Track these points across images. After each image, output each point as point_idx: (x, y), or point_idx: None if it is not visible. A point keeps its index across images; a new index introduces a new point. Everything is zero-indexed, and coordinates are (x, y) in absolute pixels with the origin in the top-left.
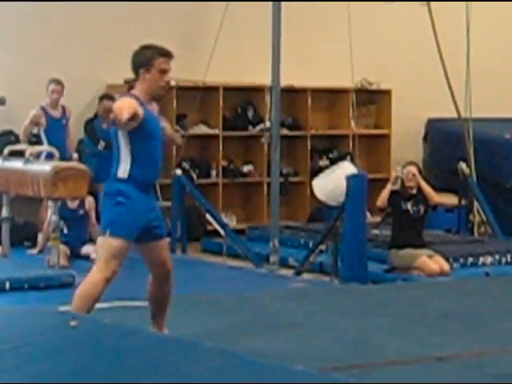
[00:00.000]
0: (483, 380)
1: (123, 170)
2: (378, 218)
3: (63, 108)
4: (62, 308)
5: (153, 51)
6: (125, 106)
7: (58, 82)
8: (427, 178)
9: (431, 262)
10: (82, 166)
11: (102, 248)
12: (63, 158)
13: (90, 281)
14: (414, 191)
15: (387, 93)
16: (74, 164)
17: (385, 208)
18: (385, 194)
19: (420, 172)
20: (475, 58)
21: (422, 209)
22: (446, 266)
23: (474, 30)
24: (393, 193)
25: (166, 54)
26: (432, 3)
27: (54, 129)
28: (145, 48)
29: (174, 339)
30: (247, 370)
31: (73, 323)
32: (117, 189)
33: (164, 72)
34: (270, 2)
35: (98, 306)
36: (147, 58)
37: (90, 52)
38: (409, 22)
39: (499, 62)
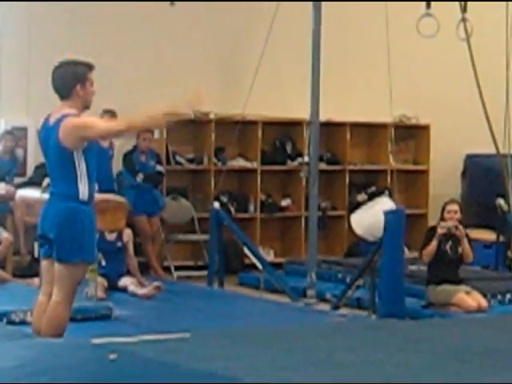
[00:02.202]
0: None
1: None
2: (415, 254)
3: (111, 142)
4: (97, 341)
5: (83, 66)
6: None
7: (113, 114)
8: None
9: (469, 298)
10: (120, 198)
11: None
12: (108, 190)
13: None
14: (453, 230)
15: (426, 128)
16: (112, 196)
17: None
18: (432, 248)
19: (461, 211)
20: None
21: (460, 249)
22: (483, 303)
23: None
24: (431, 229)
25: (92, 67)
26: (472, 40)
27: (101, 160)
28: (72, 64)
29: (211, 374)
30: None
31: (112, 356)
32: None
33: (93, 83)
34: (311, 36)
35: (138, 338)
36: (81, 73)
37: (128, 84)
38: (448, 56)
39: None
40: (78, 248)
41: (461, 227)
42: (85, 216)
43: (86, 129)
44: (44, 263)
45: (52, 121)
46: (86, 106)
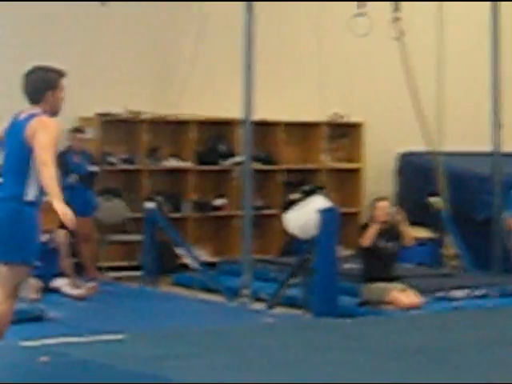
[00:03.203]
0: None
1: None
2: (349, 252)
3: None
4: (27, 343)
5: (55, 73)
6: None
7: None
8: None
9: (403, 296)
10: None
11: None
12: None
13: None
14: (387, 227)
15: (359, 126)
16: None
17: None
18: (371, 234)
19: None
20: (447, 92)
21: (395, 245)
22: (417, 300)
23: (446, 64)
24: (364, 227)
25: (64, 74)
26: (405, 39)
27: None
28: (44, 70)
29: (145, 375)
30: None
31: (43, 359)
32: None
33: (63, 90)
34: (242, 36)
35: (70, 340)
36: (53, 80)
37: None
38: (381, 55)
39: (471, 96)
40: (18, 249)
41: (401, 211)
42: (28, 217)
43: (41, 133)
44: None
45: (21, 117)
46: (54, 112)
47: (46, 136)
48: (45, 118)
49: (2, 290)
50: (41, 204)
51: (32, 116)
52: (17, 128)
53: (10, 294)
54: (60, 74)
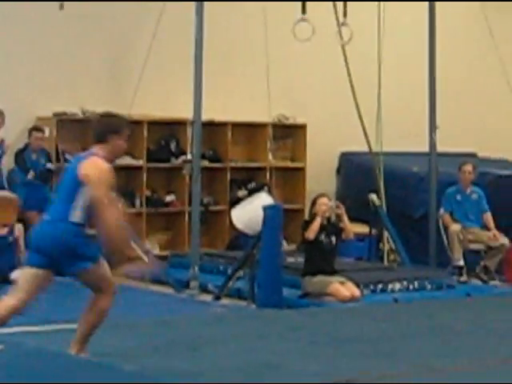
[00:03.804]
0: None
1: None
2: (293, 247)
3: (2, 140)
4: None
5: (123, 121)
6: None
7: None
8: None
9: (342, 288)
10: (10, 195)
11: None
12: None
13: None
14: (326, 222)
15: (303, 127)
16: (3, 192)
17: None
18: (315, 227)
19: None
20: (386, 95)
21: (334, 239)
22: (356, 292)
23: (384, 68)
24: (306, 223)
25: (129, 126)
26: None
27: None
28: (114, 117)
29: (94, 363)
30: None
31: None
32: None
33: (126, 139)
34: (193, 38)
35: (25, 329)
36: (120, 126)
37: (20, 85)
38: (324, 59)
39: (408, 99)
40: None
41: (341, 205)
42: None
43: (94, 181)
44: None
45: (81, 155)
46: (113, 156)
47: (95, 185)
48: (99, 161)
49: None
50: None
51: (89, 154)
52: (74, 163)
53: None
54: (127, 124)
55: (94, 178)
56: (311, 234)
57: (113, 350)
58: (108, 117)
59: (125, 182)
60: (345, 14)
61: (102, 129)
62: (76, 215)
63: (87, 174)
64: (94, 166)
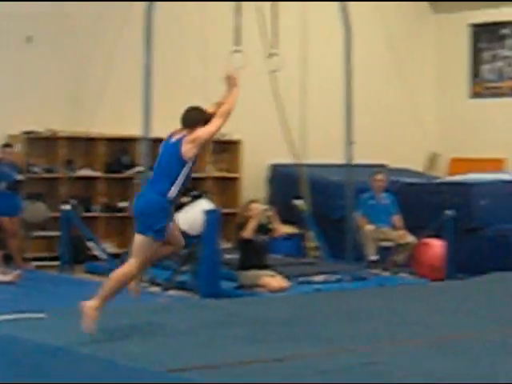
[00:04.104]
0: (313, 377)
1: (173, 191)
2: (229, 245)
3: None
4: None
5: (205, 113)
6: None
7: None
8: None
9: (273, 280)
10: None
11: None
12: None
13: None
14: (260, 223)
15: (238, 143)
16: None
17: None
18: (252, 227)
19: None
20: (310, 114)
21: (265, 238)
22: (284, 284)
23: (308, 91)
24: (241, 225)
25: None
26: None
27: None
28: (198, 109)
29: (59, 348)
30: (114, 372)
31: None
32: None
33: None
34: (142, 63)
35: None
36: (208, 118)
37: None
38: (256, 84)
39: (329, 118)
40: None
41: (272, 209)
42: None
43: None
44: None
45: (174, 139)
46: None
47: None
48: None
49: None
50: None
51: (183, 136)
52: (171, 145)
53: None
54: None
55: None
56: (248, 233)
57: (72, 336)
58: (196, 109)
59: (85, 190)
60: (274, 46)
61: (192, 117)
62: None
63: (191, 141)
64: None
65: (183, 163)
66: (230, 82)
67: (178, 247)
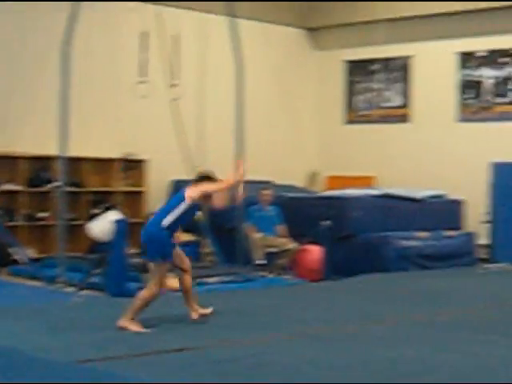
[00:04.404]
0: (207, 366)
1: (167, 220)
2: (135, 250)
3: None
4: None
5: (212, 175)
6: None
7: None
8: None
9: (173, 281)
10: None
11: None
12: None
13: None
14: None
15: (144, 161)
16: None
17: None
18: None
19: None
20: (207, 137)
21: None
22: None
23: (205, 116)
24: None
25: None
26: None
27: None
28: (208, 173)
29: None
30: (25, 363)
31: None
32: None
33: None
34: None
35: None
36: (209, 177)
37: None
38: (160, 108)
39: (223, 140)
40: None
41: None
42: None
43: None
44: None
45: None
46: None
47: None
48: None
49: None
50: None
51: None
52: (179, 192)
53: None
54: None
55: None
56: None
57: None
58: (205, 173)
59: (8, 203)
60: (175, 77)
61: (200, 177)
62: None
63: (194, 187)
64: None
65: (182, 200)
66: (238, 168)
67: (189, 268)
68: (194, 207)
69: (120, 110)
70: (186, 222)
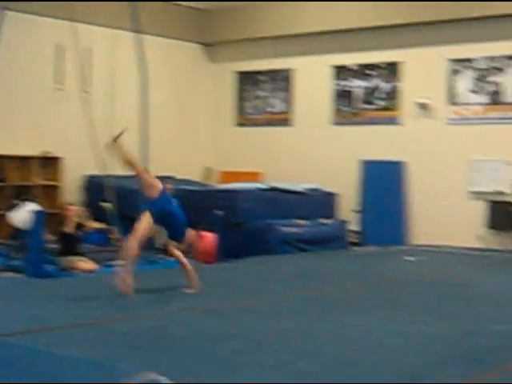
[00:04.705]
0: (112, 337)
1: None
2: (52, 237)
3: None
4: None
5: None
6: None
7: None
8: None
9: (85, 264)
10: None
11: None
12: None
13: None
14: (76, 221)
15: (60, 158)
16: None
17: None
18: (72, 224)
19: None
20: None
21: (79, 232)
22: (94, 266)
23: (115, 118)
24: (62, 222)
25: None
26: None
27: None
28: None
29: None
30: None
31: None
32: None
33: None
34: None
35: None
36: None
37: None
38: (74, 112)
39: (131, 141)
40: None
41: (85, 210)
42: None
43: None
44: None
45: None
46: None
47: None
48: None
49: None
50: None
51: None
52: None
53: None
54: None
55: None
56: (68, 228)
57: None
58: None
59: None
60: (88, 84)
61: None
62: None
63: None
64: None
65: None
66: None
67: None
68: None
69: (39, 114)
70: None
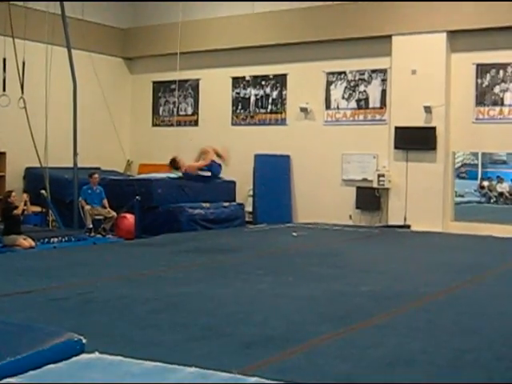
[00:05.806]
0: (46, 304)
1: None
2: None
3: None
4: None
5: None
6: None
7: None
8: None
9: (25, 241)
10: None
11: None
12: None
13: None
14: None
15: (4, 153)
16: None
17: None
18: (20, 209)
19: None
20: (53, 134)
21: (20, 214)
22: (33, 243)
23: (51, 118)
24: (7, 207)
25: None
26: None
27: None
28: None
29: None
30: None
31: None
32: None
33: None
34: None
35: None
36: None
37: None
38: (16, 113)
39: (64, 137)
40: None
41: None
42: None
43: None
44: None
45: None
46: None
47: None
48: None
49: None
50: None
51: None
52: None
53: None
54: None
55: None
56: (19, 212)
57: None
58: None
59: None
60: (24, 91)
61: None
62: None
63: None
64: None
65: None
66: (222, 155)
67: None
68: None
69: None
70: None
